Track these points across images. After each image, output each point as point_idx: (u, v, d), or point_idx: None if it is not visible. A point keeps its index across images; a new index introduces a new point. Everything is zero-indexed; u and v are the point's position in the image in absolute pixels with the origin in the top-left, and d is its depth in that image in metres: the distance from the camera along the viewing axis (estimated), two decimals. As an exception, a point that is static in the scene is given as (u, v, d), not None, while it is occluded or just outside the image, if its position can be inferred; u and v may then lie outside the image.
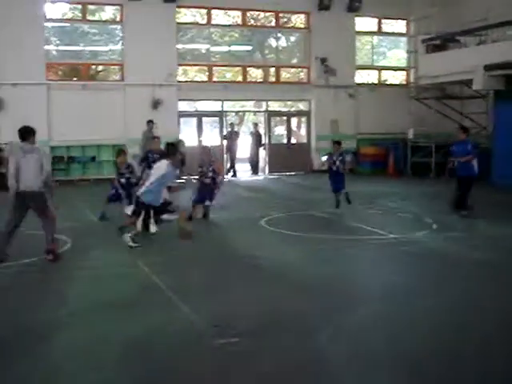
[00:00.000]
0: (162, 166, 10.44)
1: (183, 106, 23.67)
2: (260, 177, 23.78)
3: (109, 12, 23.10)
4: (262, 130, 24.99)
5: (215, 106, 24.48)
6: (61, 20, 22.46)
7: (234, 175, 23.27)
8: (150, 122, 20.60)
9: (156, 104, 22.29)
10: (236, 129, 24.76)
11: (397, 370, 5.24)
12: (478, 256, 9.61)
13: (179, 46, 23.64)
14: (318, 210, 14.41)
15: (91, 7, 22.66)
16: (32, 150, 9.26)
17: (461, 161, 13.48)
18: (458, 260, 9.42)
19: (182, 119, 23.60)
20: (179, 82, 23.18)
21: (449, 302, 7.21)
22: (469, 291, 7.71)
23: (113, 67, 23.17)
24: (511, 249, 10.19)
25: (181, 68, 23.81)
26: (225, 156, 23.55)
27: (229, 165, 23.44)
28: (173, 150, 10.86)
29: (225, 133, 24.05)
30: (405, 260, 9.59)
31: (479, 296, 7.50)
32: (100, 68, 23.46)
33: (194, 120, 24.08)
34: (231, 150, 23.47)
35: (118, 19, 22.59)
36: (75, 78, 22.58)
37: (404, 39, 26.80)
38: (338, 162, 14.61)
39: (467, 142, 13.70)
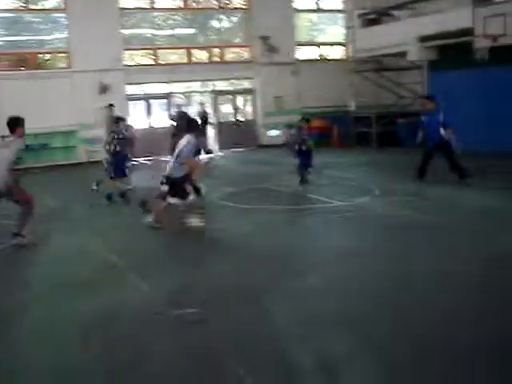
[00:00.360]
0: (182, 141, 10.38)
1: (131, 89, 24.08)
2: (211, 154, 24.37)
3: (52, 0, 23.29)
4: (208, 110, 25.59)
5: (162, 88, 24.98)
6: (4, 10, 22.58)
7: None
8: (110, 105, 21.12)
9: (104, 89, 22.71)
10: (183, 109, 25.09)
11: (344, 333, 5.52)
12: (417, 217, 10.32)
13: (124, 31, 24.05)
14: (268, 183, 14.92)
15: (34, -4, 22.92)
16: (6, 145, 9.37)
17: (450, 136, 13.20)
18: (398, 221, 10.10)
19: (130, 102, 24.09)
20: (126, 66, 23.63)
21: (388, 262, 7.73)
22: (407, 250, 8.32)
23: (60, 55, 23.41)
24: (448, 210, 10.87)
25: (127, 52, 24.16)
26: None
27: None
28: (193, 125, 10.85)
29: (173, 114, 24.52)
30: (350, 224, 10.25)
31: (417, 256, 7.99)
32: (47, 56, 23.65)
33: (143, 103, 24.63)
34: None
35: (62, 7, 22.84)
36: (23, 68, 22.75)
37: (341, 15, 27.66)
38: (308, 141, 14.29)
39: (439, 112, 13.60)
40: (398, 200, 11.98)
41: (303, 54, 27.08)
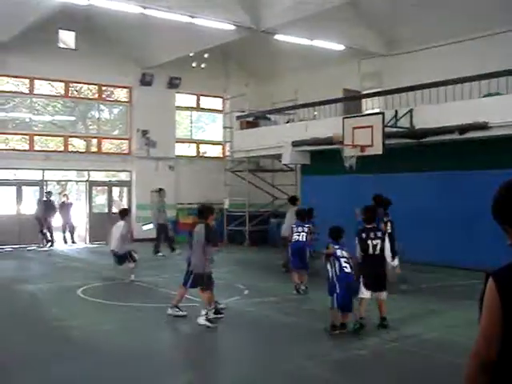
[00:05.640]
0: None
1: (2, 174, 23.40)
2: (80, 246, 23.84)
3: None
4: (73, 200, 25.21)
5: (36, 175, 24.39)
6: None
7: (52, 244, 23.09)
8: (160, 190, 20.68)
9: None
10: (52, 198, 24.12)
11: None
12: (281, 319, 10.52)
13: (0, 114, 23.60)
14: (136, 279, 14.63)
15: None
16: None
17: None
18: (264, 323, 10.26)
19: (0, 188, 23.42)
20: (-2, 150, 23.06)
21: (248, 365, 7.89)
22: (266, 354, 8.43)
23: None
24: (311, 311, 11.14)
25: (1, 136, 23.65)
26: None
27: (49, 234, 23.28)
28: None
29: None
30: (221, 329, 10.12)
31: (276, 357, 8.22)
32: None
33: (14, 189, 23.86)
34: (47, 219, 22.99)
35: None
36: None
37: (220, 115, 28.39)
38: None
39: None
40: (266, 301, 12.09)
41: (181, 149, 27.46)
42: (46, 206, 23.11)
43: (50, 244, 22.98)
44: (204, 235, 9.77)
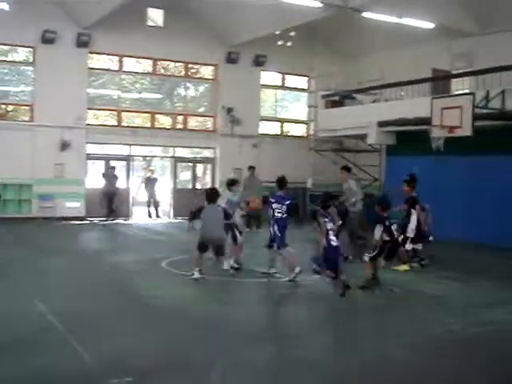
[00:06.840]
0: None
1: (92, 148, 24.06)
2: (164, 221, 24.32)
3: (22, 53, 23.37)
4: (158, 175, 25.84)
5: (123, 150, 24.99)
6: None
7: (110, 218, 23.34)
8: (251, 167, 21.18)
9: (64, 146, 22.65)
10: (115, 171, 24.04)
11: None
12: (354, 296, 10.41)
13: (90, 91, 24.22)
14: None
15: (4, 48, 22.99)
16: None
17: None
18: (335, 299, 10.16)
19: (89, 162, 24.08)
20: (88, 125, 23.63)
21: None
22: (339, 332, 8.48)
23: (23, 108, 23.39)
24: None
25: (90, 112, 24.27)
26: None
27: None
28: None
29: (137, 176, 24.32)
30: (296, 301, 10.36)
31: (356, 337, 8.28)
32: (10, 108, 23.53)
33: (102, 163, 24.51)
34: (111, 193, 23.19)
35: (30, 61, 22.93)
36: (-16, 117, 22.58)
37: (305, 94, 28.28)
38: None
39: None
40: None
41: (265, 128, 27.51)
42: (111, 181, 23.39)
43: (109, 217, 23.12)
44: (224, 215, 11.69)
